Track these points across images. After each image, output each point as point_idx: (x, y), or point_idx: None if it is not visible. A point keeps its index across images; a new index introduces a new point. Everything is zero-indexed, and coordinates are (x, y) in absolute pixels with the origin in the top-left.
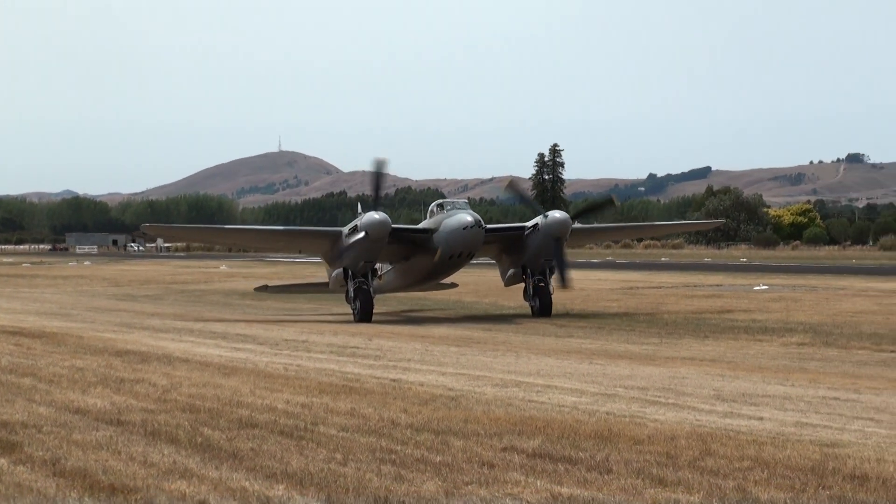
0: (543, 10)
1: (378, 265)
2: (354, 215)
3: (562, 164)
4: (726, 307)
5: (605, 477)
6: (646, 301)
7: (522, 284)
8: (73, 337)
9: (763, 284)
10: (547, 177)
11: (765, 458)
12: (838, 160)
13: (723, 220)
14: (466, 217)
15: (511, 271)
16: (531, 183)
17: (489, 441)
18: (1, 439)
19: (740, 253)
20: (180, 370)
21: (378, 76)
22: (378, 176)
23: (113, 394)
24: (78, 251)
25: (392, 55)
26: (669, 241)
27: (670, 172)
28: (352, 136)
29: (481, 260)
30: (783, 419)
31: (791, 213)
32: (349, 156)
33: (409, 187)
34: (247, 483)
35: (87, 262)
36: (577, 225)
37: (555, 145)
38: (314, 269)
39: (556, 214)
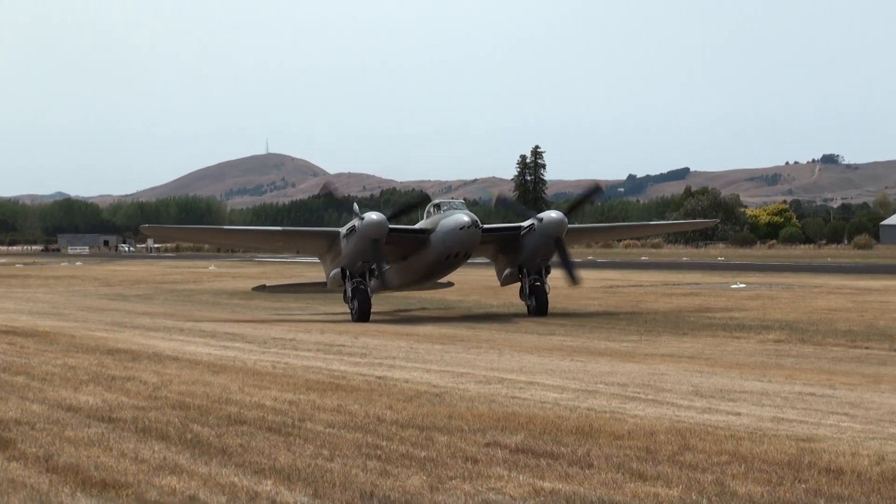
0: (527, 15)
1: (375, 265)
2: (341, 216)
3: (543, 166)
4: (704, 305)
5: (587, 471)
6: (626, 299)
7: (518, 284)
8: (65, 336)
9: (740, 283)
10: (529, 178)
11: (742, 453)
12: (813, 161)
13: (717, 221)
14: (463, 217)
15: (507, 271)
16: (513, 184)
17: (473, 437)
18: None
19: (718, 252)
20: (170, 368)
21: (363, 80)
22: (412, 206)
23: (104, 391)
24: (70, 252)
25: (377, 60)
26: (649, 240)
27: (649, 173)
28: (338, 138)
29: (473, 259)
30: (760, 414)
31: (767, 213)
32: (335, 158)
33: (395, 188)
34: (236, 478)
35: (78, 263)
36: (574, 225)
37: (536, 147)
38: (302, 269)
39: (553, 214)
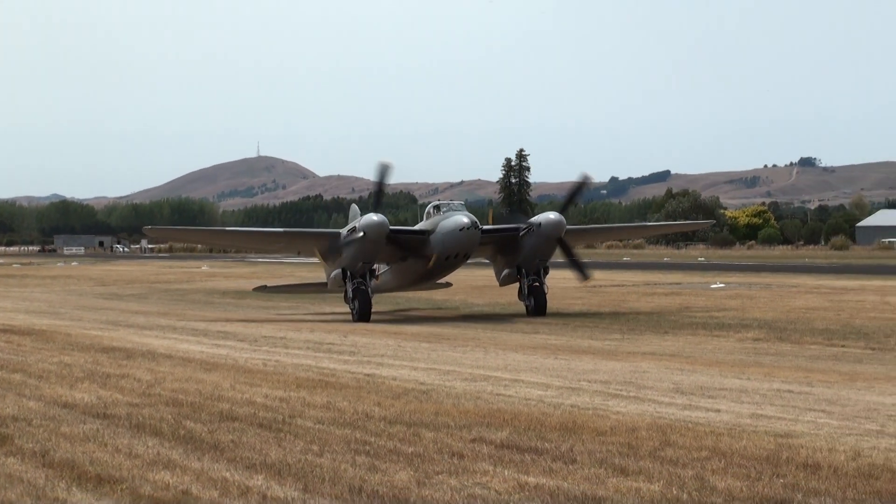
0: (511, 21)
1: (375, 265)
2: (331, 217)
3: (528, 169)
4: (685, 304)
5: (570, 467)
6: (608, 299)
7: (517, 285)
8: (61, 334)
9: (720, 283)
10: (514, 180)
11: (722, 449)
12: (791, 164)
13: (713, 221)
14: (462, 219)
15: (506, 271)
16: (499, 186)
17: (459, 433)
18: None
19: (698, 252)
20: (164, 366)
21: (352, 85)
22: (381, 179)
23: (99, 388)
24: (66, 252)
25: (365, 65)
26: (631, 241)
27: (631, 176)
28: (327, 142)
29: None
30: (739, 411)
31: (746, 215)
32: (324, 161)
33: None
34: (227, 473)
35: (74, 263)
36: (574, 226)
37: (521, 150)
38: (293, 269)
39: (551, 216)
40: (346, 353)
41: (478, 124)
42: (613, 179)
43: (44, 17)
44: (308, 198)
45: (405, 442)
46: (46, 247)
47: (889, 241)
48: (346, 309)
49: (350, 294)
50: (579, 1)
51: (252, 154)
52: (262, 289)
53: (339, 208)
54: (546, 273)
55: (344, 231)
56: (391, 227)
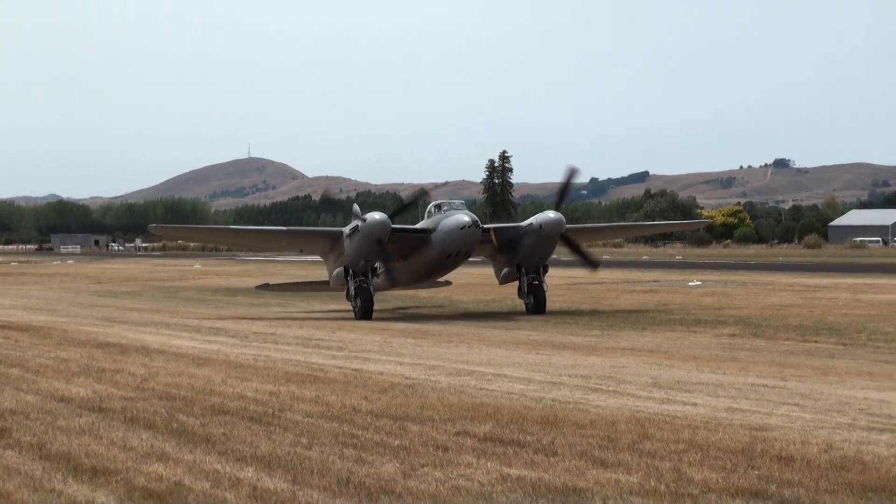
0: (494, 25)
1: (377, 264)
2: (320, 216)
3: (510, 170)
4: (663, 301)
5: (551, 459)
6: (588, 296)
7: (516, 283)
8: (57, 330)
9: (697, 280)
10: (497, 181)
11: (698, 441)
12: (766, 165)
13: (709, 221)
14: (464, 217)
15: (505, 270)
16: (482, 186)
17: (443, 426)
18: None
19: (676, 251)
20: (157, 361)
21: (340, 88)
22: (410, 204)
23: (95, 383)
24: (62, 251)
25: (351, 69)
26: (610, 240)
27: (611, 177)
28: (315, 143)
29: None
30: (715, 405)
31: (723, 214)
32: (313, 162)
33: (369, 191)
34: (219, 465)
35: (70, 261)
36: (574, 225)
37: (504, 152)
38: (283, 267)
39: (551, 215)
40: (334, 348)
41: (462, 126)
42: (594, 180)
43: (40, 20)
44: (297, 198)
45: (391, 435)
46: (44, 245)
47: (860, 240)
48: (336, 306)
49: (352, 292)
50: (558, 4)
51: (243, 155)
52: (265, 287)
53: (327, 208)
54: (545, 271)
55: (346, 230)
56: (393, 226)
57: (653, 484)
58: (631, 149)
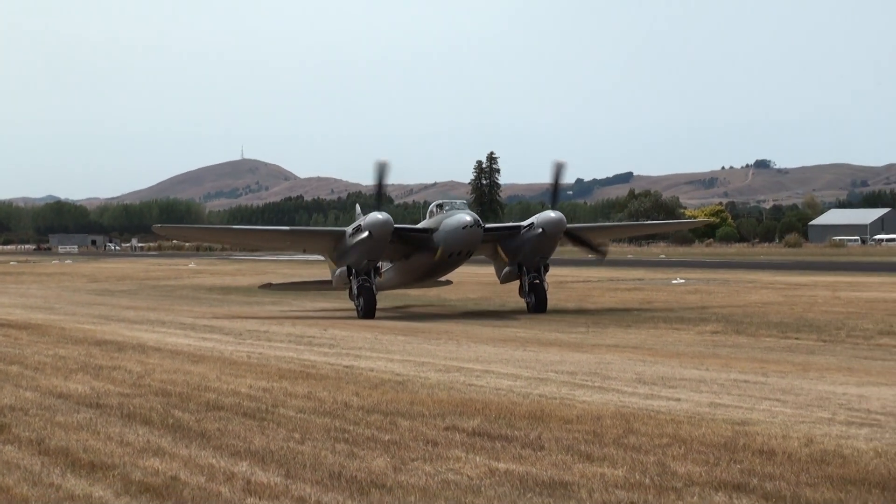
0: (480, 28)
1: (379, 263)
2: (311, 217)
3: (498, 171)
4: (647, 299)
5: (538, 453)
6: (574, 294)
7: (517, 282)
8: (56, 328)
9: (680, 278)
10: (484, 181)
11: (682, 436)
12: (747, 166)
13: (708, 220)
14: (465, 217)
15: (507, 269)
16: (470, 187)
17: (433, 421)
18: None
19: (659, 250)
20: (153, 358)
21: (331, 91)
22: (380, 177)
23: (92, 379)
24: (60, 251)
25: (343, 71)
26: (609, 240)
27: (596, 177)
28: (307, 145)
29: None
30: (698, 400)
31: (705, 214)
32: (305, 163)
33: (360, 192)
34: (214, 460)
35: (68, 261)
36: (575, 225)
37: (491, 153)
38: (276, 266)
39: (552, 214)
40: (325, 345)
41: (450, 128)
42: (579, 181)
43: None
44: (290, 198)
45: (382, 430)
46: (42, 245)
47: (840, 239)
48: (327, 304)
49: (355, 291)
50: (543, 7)
51: (236, 157)
52: (268, 286)
53: (318, 208)
54: (546, 270)
55: (349, 229)
56: (395, 226)
57: (637, 477)
58: (616, 150)
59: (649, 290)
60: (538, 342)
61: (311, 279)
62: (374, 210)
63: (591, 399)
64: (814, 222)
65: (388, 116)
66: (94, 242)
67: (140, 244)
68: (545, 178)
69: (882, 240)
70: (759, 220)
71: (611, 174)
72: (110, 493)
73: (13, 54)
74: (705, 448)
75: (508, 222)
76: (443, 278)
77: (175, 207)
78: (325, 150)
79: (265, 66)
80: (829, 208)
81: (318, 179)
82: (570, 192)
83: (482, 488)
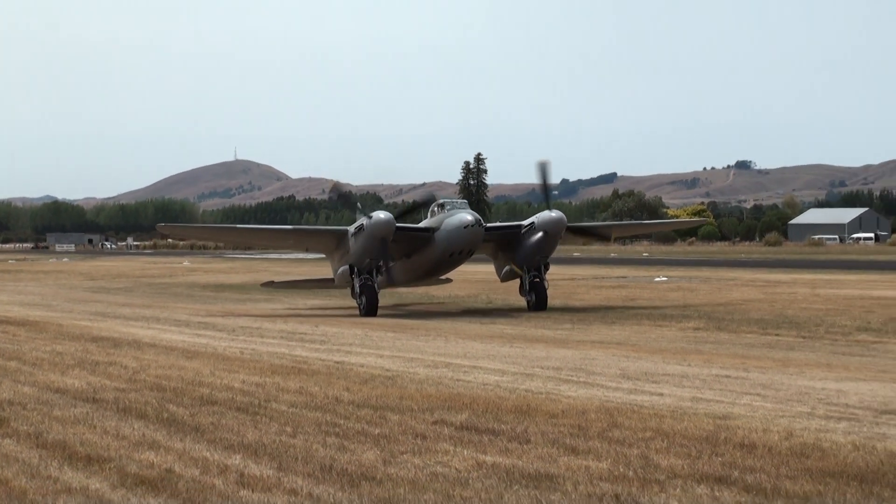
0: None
1: (381, 262)
2: (303, 216)
3: (485, 171)
4: (631, 296)
5: (524, 447)
6: (559, 291)
7: (517, 281)
8: (53, 325)
9: (663, 276)
10: (472, 182)
11: (665, 430)
12: (728, 166)
13: (706, 220)
14: (467, 216)
15: (507, 268)
16: (458, 187)
17: (422, 415)
18: None
19: (643, 248)
20: (148, 354)
21: (323, 92)
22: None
23: (89, 375)
24: (57, 249)
25: (335, 73)
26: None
27: (581, 178)
28: (299, 146)
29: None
30: (681, 395)
31: (687, 213)
32: (297, 164)
33: (350, 192)
34: (208, 453)
35: (65, 259)
36: (575, 224)
37: (479, 154)
38: (269, 265)
39: (552, 214)
40: (317, 341)
41: (438, 129)
42: (564, 181)
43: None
44: (282, 198)
45: (372, 424)
46: (39, 244)
47: (818, 238)
48: (321, 302)
49: (357, 290)
50: (528, 8)
51: (230, 157)
52: (270, 284)
53: (310, 208)
54: (546, 269)
55: (351, 228)
56: (397, 225)
57: (621, 470)
58: (600, 151)
59: (633, 287)
60: (524, 338)
61: (314, 277)
62: (377, 210)
63: (577, 394)
64: (793, 221)
65: (378, 118)
66: (90, 241)
67: (135, 242)
68: (531, 178)
69: (859, 238)
70: (741, 219)
71: (595, 174)
72: (107, 485)
73: (10, 56)
74: (688, 441)
75: (504, 222)
76: (443, 277)
77: (170, 207)
78: (316, 151)
79: (259, 69)
80: (809, 208)
81: (310, 180)
82: (556, 192)
83: (470, 481)
